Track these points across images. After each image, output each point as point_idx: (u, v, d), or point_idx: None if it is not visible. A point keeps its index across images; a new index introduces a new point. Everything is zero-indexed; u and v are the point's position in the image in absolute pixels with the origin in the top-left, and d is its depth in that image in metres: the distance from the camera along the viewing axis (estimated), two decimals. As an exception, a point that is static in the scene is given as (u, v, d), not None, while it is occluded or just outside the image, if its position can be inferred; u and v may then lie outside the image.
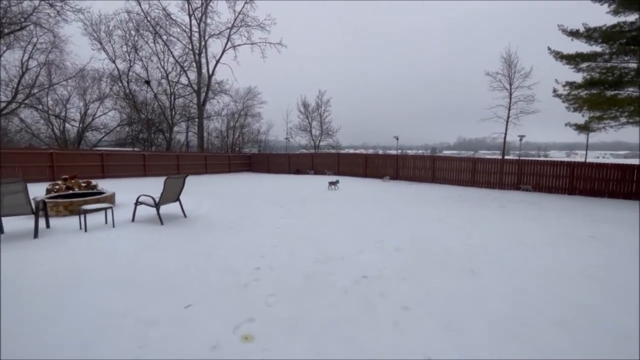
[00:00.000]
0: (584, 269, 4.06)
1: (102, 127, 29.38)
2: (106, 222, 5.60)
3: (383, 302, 2.97)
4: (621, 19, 11.35)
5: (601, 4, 11.39)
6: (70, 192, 7.67)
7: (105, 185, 12.03)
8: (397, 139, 21.65)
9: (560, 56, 12.37)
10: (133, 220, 5.84)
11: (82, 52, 25.09)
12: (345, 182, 15.23)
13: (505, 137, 18.48)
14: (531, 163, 14.56)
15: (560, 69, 13.37)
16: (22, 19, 18.64)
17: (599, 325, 2.68)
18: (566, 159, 15.83)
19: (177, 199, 6.26)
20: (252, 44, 26.08)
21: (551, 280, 3.65)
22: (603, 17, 11.49)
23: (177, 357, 2.15)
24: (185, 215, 6.31)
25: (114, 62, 24.75)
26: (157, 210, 5.63)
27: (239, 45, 26.16)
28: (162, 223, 5.62)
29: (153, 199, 5.61)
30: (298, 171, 22.12)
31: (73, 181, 8.60)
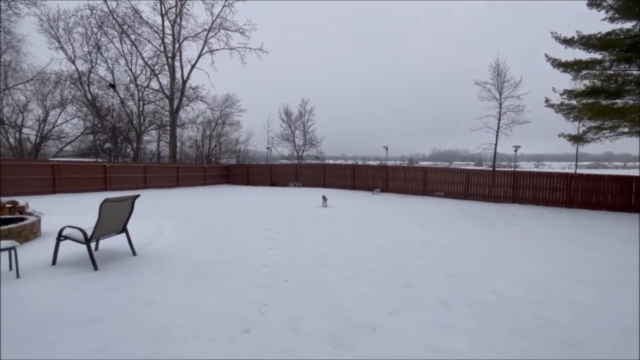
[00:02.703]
0: None
1: (63, 135, 26.42)
2: (10, 269, 3.78)
3: None
4: (617, 25, 10.99)
5: (598, 10, 10.98)
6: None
7: (53, 202, 9.94)
8: (387, 149, 20.65)
9: (558, 64, 11.83)
10: (54, 263, 4.02)
11: (40, 52, 22.17)
12: (334, 195, 13.82)
13: (495, 148, 17.94)
14: (527, 175, 13.90)
15: (546, 79, 12.98)
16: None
17: None
18: (559, 171, 15.36)
19: (124, 229, 4.50)
20: (230, 49, 24.41)
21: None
22: (593, 24, 11.09)
23: None
24: (134, 253, 4.52)
25: (73, 62, 22.19)
26: (89, 248, 3.88)
27: (217, 50, 24.44)
28: (95, 268, 3.85)
29: (83, 231, 3.84)
30: (276, 183, 20.35)
31: (-10, 201, 6.56)
